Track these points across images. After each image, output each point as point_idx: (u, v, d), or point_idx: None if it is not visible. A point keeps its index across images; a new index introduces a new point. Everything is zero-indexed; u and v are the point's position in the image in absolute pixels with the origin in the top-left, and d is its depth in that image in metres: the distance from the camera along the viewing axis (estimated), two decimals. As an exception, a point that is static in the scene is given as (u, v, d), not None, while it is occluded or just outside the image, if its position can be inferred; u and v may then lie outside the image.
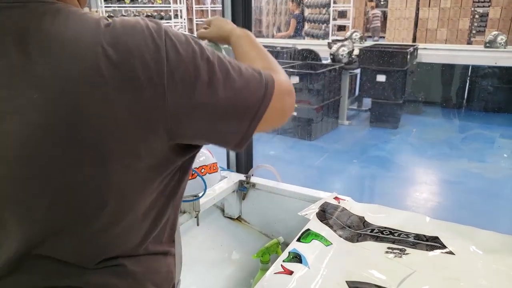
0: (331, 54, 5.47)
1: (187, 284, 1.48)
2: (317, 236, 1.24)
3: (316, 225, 1.29)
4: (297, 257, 1.13)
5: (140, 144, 0.53)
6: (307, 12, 9.77)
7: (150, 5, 10.39)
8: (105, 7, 9.11)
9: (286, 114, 0.67)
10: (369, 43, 6.78)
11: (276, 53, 6.12)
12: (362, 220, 1.35)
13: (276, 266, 1.10)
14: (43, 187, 0.51)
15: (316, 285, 1.04)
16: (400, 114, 5.36)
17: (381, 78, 5.16)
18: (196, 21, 12.39)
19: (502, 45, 5.63)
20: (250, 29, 1.09)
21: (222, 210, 1.83)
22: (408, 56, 5.06)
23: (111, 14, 8.94)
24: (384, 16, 9.71)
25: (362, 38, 6.84)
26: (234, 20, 1.50)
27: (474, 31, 8.18)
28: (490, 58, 5.37)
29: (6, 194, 0.52)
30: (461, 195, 3.49)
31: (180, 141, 0.57)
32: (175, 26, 9.88)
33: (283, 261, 1.12)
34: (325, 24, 9.41)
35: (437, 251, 1.17)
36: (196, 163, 1.27)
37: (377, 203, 1.46)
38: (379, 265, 1.12)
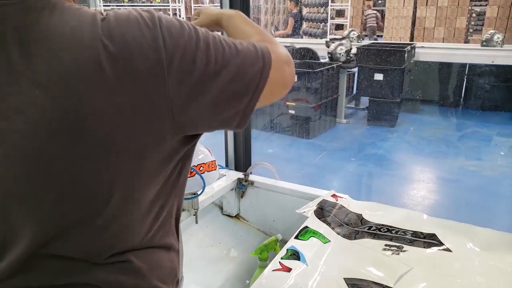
0: (329, 53, 5.48)
1: (186, 282, 1.48)
2: (315, 234, 1.24)
3: (314, 223, 1.30)
4: (295, 254, 1.13)
5: (144, 135, 0.53)
6: (305, 11, 9.77)
7: (149, 4, 10.37)
8: (104, 5, 9.08)
9: (287, 83, 0.68)
10: (366, 42, 6.79)
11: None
12: (359, 217, 1.36)
13: (274, 263, 1.10)
14: (49, 184, 0.51)
15: (314, 282, 1.04)
16: (397, 112, 5.37)
17: (378, 76, 5.17)
18: (195, 20, 12.32)
19: (499, 43, 5.65)
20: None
21: (221, 208, 1.83)
22: (406, 55, 5.07)
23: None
24: (382, 15, 9.72)
25: (359, 37, 6.85)
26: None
27: (471, 30, 8.19)
28: (487, 57, 5.39)
29: (12, 193, 0.52)
30: (458, 193, 3.50)
31: (184, 129, 0.57)
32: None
33: (281, 258, 1.12)
34: (323, 23, 9.40)
35: (435, 248, 1.18)
36: (194, 161, 1.28)
37: (374, 201, 1.47)
38: (376, 262, 1.13)
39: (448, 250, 1.17)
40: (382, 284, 1.03)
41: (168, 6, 10.52)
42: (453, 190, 3.57)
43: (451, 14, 7.96)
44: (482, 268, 1.09)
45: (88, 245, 0.56)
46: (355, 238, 1.24)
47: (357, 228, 1.30)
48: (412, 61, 5.63)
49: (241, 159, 1.81)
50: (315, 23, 9.45)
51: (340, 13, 10.70)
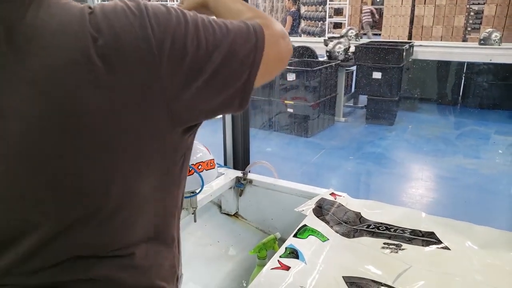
0: (327, 52, 5.48)
1: (184, 280, 1.48)
2: (314, 232, 1.24)
3: (312, 221, 1.30)
4: (293, 253, 1.13)
5: (141, 127, 0.52)
6: (303, 9, 9.77)
7: (146, 2, 10.34)
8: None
9: (284, 58, 0.66)
10: (364, 40, 6.80)
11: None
12: (358, 216, 1.36)
13: (273, 261, 1.10)
14: (46, 181, 0.51)
15: (312, 281, 1.04)
16: (396, 110, 5.37)
17: (377, 75, 5.17)
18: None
19: (497, 42, 5.66)
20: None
21: (219, 207, 1.83)
22: (404, 53, 5.07)
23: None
24: (380, 13, 9.74)
25: (357, 35, 6.85)
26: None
27: (469, 28, 8.19)
28: (485, 55, 5.40)
29: (10, 191, 0.52)
30: (456, 191, 3.51)
31: (183, 118, 0.56)
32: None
33: (280, 256, 1.12)
34: (321, 22, 9.41)
35: (433, 247, 1.18)
36: (193, 160, 1.28)
37: (373, 199, 1.47)
38: (375, 260, 1.13)
39: (446, 248, 1.17)
40: (381, 282, 1.03)
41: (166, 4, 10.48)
42: (451, 188, 3.58)
43: (449, 13, 7.95)
44: (480, 266, 1.09)
45: (90, 242, 0.56)
46: (353, 237, 1.24)
47: (355, 226, 1.30)
48: (410, 60, 5.64)
49: (240, 158, 1.81)
50: (313, 21, 9.45)
51: (338, 12, 10.71)
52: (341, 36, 6.29)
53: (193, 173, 1.25)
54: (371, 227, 1.29)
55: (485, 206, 3.12)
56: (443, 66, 6.18)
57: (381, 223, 1.30)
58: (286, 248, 1.16)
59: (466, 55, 5.79)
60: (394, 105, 5.30)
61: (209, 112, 0.60)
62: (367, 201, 1.45)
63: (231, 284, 1.51)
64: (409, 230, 1.26)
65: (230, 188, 1.74)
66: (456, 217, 1.30)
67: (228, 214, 1.80)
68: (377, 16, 9.85)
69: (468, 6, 7.92)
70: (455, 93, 6.32)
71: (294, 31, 8.29)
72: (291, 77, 4.82)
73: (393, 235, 1.24)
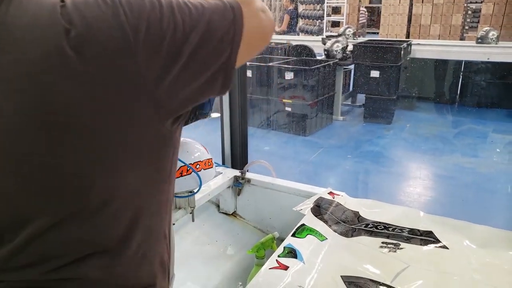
0: (325, 50, 5.47)
1: (183, 280, 1.48)
2: (312, 231, 1.24)
3: (311, 220, 1.30)
4: (292, 252, 1.13)
5: (124, 119, 0.52)
6: (301, 8, 9.76)
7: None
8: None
9: (266, 31, 0.65)
10: (362, 39, 6.80)
11: (271, 49, 6.12)
12: (356, 215, 1.36)
13: (271, 261, 1.10)
14: (29, 180, 0.50)
15: (311, 280, 1.04)
16: (393, 109, 5.38)
17: (375, 73, 5.17)
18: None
19: (494, 40, 5.67)
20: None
21: (217, 206, 1.83)
22: (402, 52, 5.07)
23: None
24: (378, 12, 9.77)
25: (355, 34, 6.86)
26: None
27: (467, 27, 8.20)
28: (483, 54, 5.40)
29: None
30: (454, 189, 3.52)
31: (166, 106, 0.55)
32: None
33: (278, 256, 1.12)
34: (319, 20, 9.41)
35: (431, 246, 1.18)
36: (191, 159, 1.27)
37: (371, 198, 1.47)
38: (373, 259, 1.13)
39: (444, 247, 1.17)
40: (379, 282, 1.03)
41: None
42: (449, 187, 3.58)
43: (446, 11, 7.97)
44: (478, 265, 1.09)
45: (78, 238, 0.55)
46: (352, 236, 1.24)
47: (354, 225, 1.30)
48: (408, 58, 5.64)
49: (238, 157, 1.81)
50: (311, 20, 9.45)
51: (336, 10, 10.71)
52: (339, 35, 6.28)
53: (191, 173, 1.25)
54: (369, 226, 1.29)
55: (483, 205, 3.12)
56: (441, 64, 6.19)
57: (380, 222, 1.30)
58: (284, 247, 1.15)
59: (463, 53, 5.79)
60: (392, 104, 5.30)
61: (194, 96, 0.58)
62: (366, 200, 1.45)
63: (229, 283, 1.51)
64: (408, 229, 1.26)
65: (228, 187, 1.73)
66: (454, 215, 1.30)
67: (226, 214, 1.80)
68: (367, 20, 9.98)
69: (465, 4, 7.94)
70: (453, 92, 6.33)
71: (292, 29, 8.30)
72: (289, 75, 4.82)
73: (392, 234, 1.24)
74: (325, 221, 1.31)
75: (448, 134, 5.00)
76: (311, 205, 1.39)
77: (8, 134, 0.48)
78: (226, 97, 1.77)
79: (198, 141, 1.35)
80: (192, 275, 1.51)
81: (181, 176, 1.21)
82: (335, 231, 1.27)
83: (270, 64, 5.10)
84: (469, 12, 8.22)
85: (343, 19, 9.54)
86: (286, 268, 1.07)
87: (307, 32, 9.30)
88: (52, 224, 0.53)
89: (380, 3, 9.35)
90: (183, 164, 1.21)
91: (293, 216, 1.38)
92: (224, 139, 1.82)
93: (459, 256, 1.13)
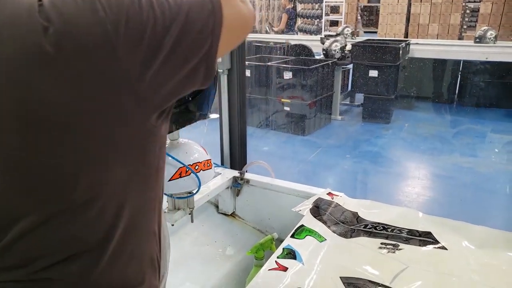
0: (323, 50, 5.47)
1: (181, 280, 1.48)
2: (311, 232, 1.24)
3: (310, 221, 1.30)
4: (291, 253, 1.13)
5: (107, 111, 0.51)
6: (299, 7, 9.76)
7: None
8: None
9: (246, 21, 0.65)
10: (360, 38, 6.80)
11: (270, 48, 6.12)
12: (355, 215, 1.36)
13: (270, 262, 1.10)
14: (14, 178, 0.50)
15: (310, 281, 1.04)
16: (392, 109, 5.38)
17: (373, 73, 5.17)
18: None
19: (492, 40, 5.67)
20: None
21: (216, 207, 1.83)
22: (400, 52, 5.07)
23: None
24: (376, 11, 9.77)
25: (353, 33, 6.86)
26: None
27: (465, 26, 8.21)
28: (481, 53, 5.41)
29: None
30: (452, 189, 3.52)
31: (151, 101, 0.55)
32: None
33: (278, 257, 1.12)
34: (317, 20, 9.41)
35: (430, 246, 1.18)
36: (189, 160, 1.27)
37: (369, 198, 1.47)
38: (372, 260, 1.13)
39: (443, 248, 1.17)
40: (378, 283, 1.03)
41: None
42: (448, 187, 3.59)
43: (445, 11, 7.98)
44: (477, 266, 1.09)
45: (66, 236, 0.55)
46: (351, 237, 1.24)
47: (353, 226, 1.30)
48: (406, 58, 5.64)
49: (237, 157, 1.80)
50: (310, 19, 9.45)
51: (334, 10, 10.71)
52: (337, 34, 6.28)
53: (190, 174, 1.25)
54: (368, 227, 1.29)
55: (481, 205, 3.13)
56: (439, 64, 6.19)
57: (378, 223, 1.30)
58: (283, 248, 1.16)
59: (462, 53, 5.80)
60: (391, 104, 5.30)
61: (176, 88, 0.58)
62: (364, 201, 1.45)
63: (228, 284, 1.51)
64: (406, 230, 1.26)
65: (227, 188, 1.73)
66: (452, 215, 1.31)
67: (225, 214, 1.80)
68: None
69: (464, 4, 7.95)
70: (452, 92, 6.33)
71: (290, 29, 8.29)
72: (287, 75, 4.82)
73: (390, 235, 1.24)
74: (324, 222, 1.31)
75: (447, 134, 5.01)
76: (310, 206, 1.39)
77: None
78: (225, 97, 1.77)
79: (197, 141, 1.35)
80: (191, 275, 1.51)
81: (180, 177, 1.21)
82: (334, 232, 1.27)
83: (269, 63, 5.09)
84: (468, 11, 8.23)
85: (341, 18, 9.54)
86: (285, 269, 1.07)
87: (305, 32, 9.30)
88: (40, 222, 0.53)
89: (379, 2, 9.35)
90: (182, 165, 1.21)
91: (292, 216, 1.38)
92: (223, 140, 1.82)
93: (458, 256, 1.14)
